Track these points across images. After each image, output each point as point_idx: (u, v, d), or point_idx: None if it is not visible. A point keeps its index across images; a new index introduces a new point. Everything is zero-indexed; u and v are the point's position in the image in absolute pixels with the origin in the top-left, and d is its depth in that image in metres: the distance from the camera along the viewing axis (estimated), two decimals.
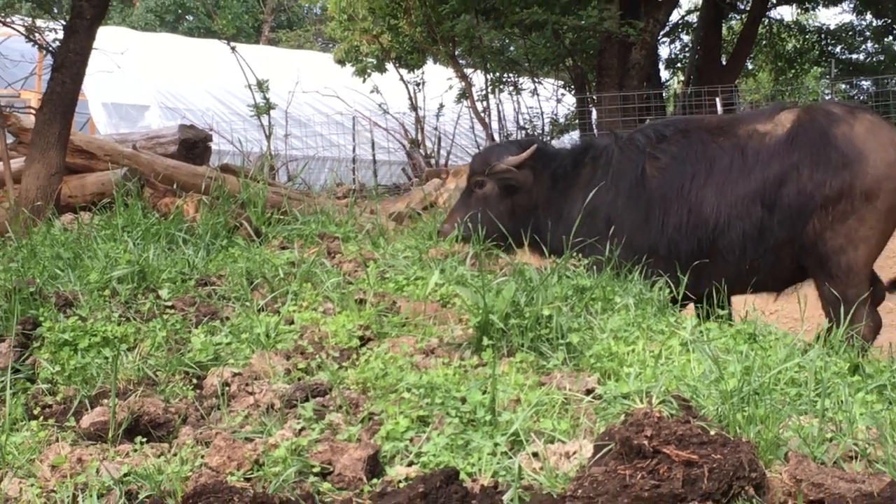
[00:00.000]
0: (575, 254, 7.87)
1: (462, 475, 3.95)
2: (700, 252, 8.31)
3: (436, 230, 9.02)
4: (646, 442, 3.66)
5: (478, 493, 3.81)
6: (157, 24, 49.60)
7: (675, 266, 8.21)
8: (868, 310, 8.29)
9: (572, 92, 27.97)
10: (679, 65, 33.92)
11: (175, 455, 4.36)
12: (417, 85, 27.37)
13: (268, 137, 20.99)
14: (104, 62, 17.50)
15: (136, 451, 4.43)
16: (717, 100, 24.06)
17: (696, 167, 8.39)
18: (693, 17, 32.07)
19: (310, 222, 9.05)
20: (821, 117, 8.33)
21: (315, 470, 4.10)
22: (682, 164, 8.44)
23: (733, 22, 33.64)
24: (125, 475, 4.07)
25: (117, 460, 4.27)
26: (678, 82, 33.31)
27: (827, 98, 30.25)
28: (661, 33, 28.87)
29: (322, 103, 28.43)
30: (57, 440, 4.60)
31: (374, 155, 28.30)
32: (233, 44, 21.20)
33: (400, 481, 3.96)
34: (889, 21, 32.11)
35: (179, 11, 52.89)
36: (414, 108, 27.06)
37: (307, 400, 4.90)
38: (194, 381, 5.45)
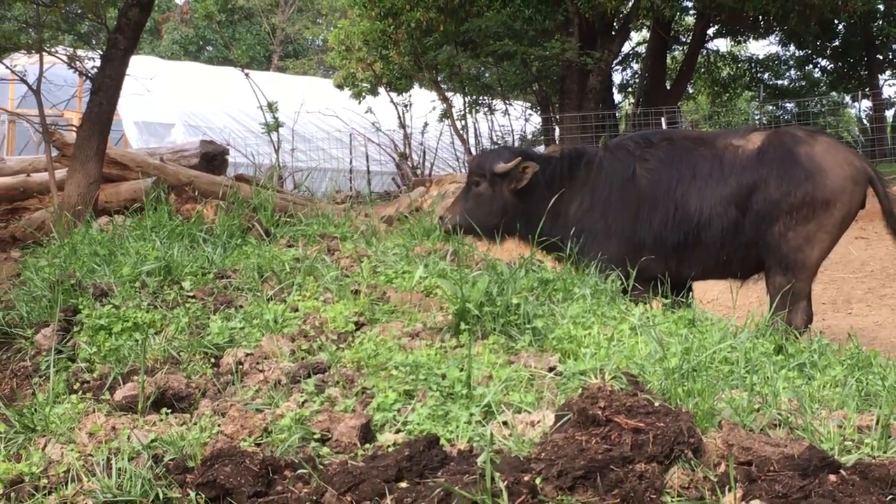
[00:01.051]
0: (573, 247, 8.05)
1: (442, 441, 3.95)
2: (686, 243, 8.39)
3: (438, 219, 9.06)
4: (600, 412, 3.66)
5: (455, 455, 3.81)
6: (181, 54, 49.52)
7: (662, 255, 8.40)
8: (805, 303, 8.42)
9: (538, 112, 28.05)
10: (630, 89, 34.04)
11: (195, 424, 4.35)
12: (405, 106, 27.41)
13: (276, 151, 21.01)
14: (136, 86, 17.50)
15: (161, 420, 4.42)
16: (663, 119, 24.13)
17: (681, 171, 8.45)
18: (642, 48, 32.13)
19: (312, 224, 9.01)
20: (786, 138, 8.46)
21: (316, 436, 4.09)
22: (668, 168, 8.50)
23: (676, 52, 33.72)
24: (152, 441, 4.06)
25: (146, 428, 4.25)
26: (629, 104, 33.36)
27: (756, 117, 30.35)
28: (615, 62, 28.92)
29: (323, 122, 28.43)
30: (93, 411, 4.59)
31: (368, 166, 28.31)
32: (246, 71, 21.19)
33: (389, 446, 3.95)
34: (809, 52, 32.25)
35: (201, 43, 52.84)
36: (402, 126, 27.08)
37: (309, 376, 4.89)
38: (212, 360, 5.44)
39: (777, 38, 31.52)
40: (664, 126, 23.78)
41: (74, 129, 11.91)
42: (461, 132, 26.16)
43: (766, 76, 34.72)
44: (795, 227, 8.22)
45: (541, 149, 26.60)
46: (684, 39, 31.34)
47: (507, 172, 8.72)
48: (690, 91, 34.74)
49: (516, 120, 28.89)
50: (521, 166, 8.73)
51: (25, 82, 12.72)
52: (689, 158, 8.49)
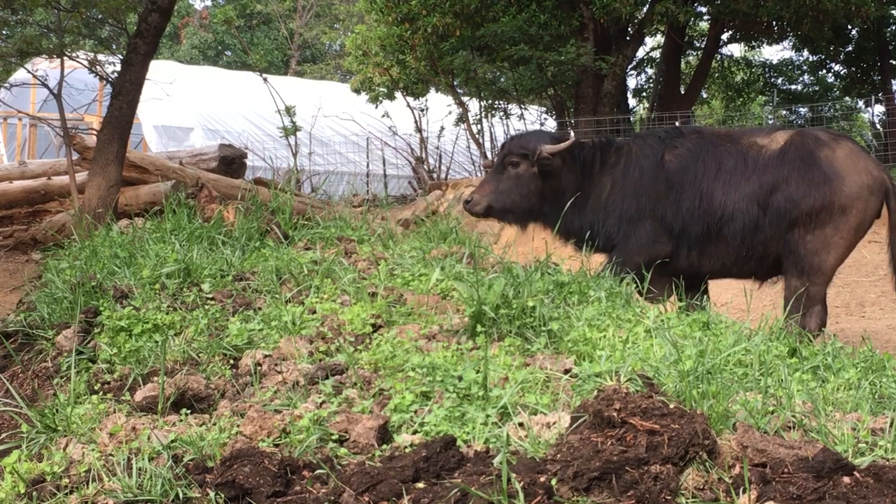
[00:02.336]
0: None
1: (459, 442, 3.95)
2: (709, 235, 8.44)
3: (463, 203, 9.02)
4: (615, 414, 3.66)
5: (472, 457, 3.81)
6: (200, 59, 49.63)
7: (685, 243, 8.53)
8: (819, 307, 8.44)
9: (553, 117, 27.98)
10: (644, 94, 33.94)
11: (215, 424, 4.36)
12: (422, 110, 27.40)
13: (294, 155, 20.99)
14: (155, 90, 17.52)
15: (181, 421, 4.43)
16: (677, 123, 24.03)
17: (707, 163, 8.52)
18: (656, 53, 32.04)
19: (330, 227, 9.02)
20: (809, 140, 8.50)
21: (333, 437, 4.10)
22: (696, 158, 8.58)
23: (690, 57, 33.65)
24: (172, 441, 4.08)
25: (165, 429, 4.27)
26: (644, 109, 33.28)
27: (770, 121, 30.27)
28: (629, 67, 28.89)
29: (341, 126, 28.46)
30: (114, 412, 4.60)
31: (384, 170, 28.32)
32: (265, 75, 21.17)
33: (406, 447, 3.96)
34: (822, 57, 32.16)
35: (219, 47, 52.94)
36: (419, 130, 27.09)
37: (327, 378, 4.89)
38: (231, 361, 5.45)
39: (791, 44, 31.37)
40: None
41: (95, 132, 11.96)
42: (477, 136, 26.15)
43: (779, 81, 34.62)
44: (813, 230, 8.24)
45: None
46: (698, 44, 31.26)
47: (556, 154, 8.70)
48: (704, 96, 34.65)
49: (531, 124, 28.80)
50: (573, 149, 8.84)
51: (47, 86, 12.80)
52: (716, 153, 8.55)
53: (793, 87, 34.87)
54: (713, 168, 8.48)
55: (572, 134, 9.10)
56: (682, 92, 28.27)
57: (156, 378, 4.90)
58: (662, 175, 8.60)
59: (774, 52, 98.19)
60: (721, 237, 8.45)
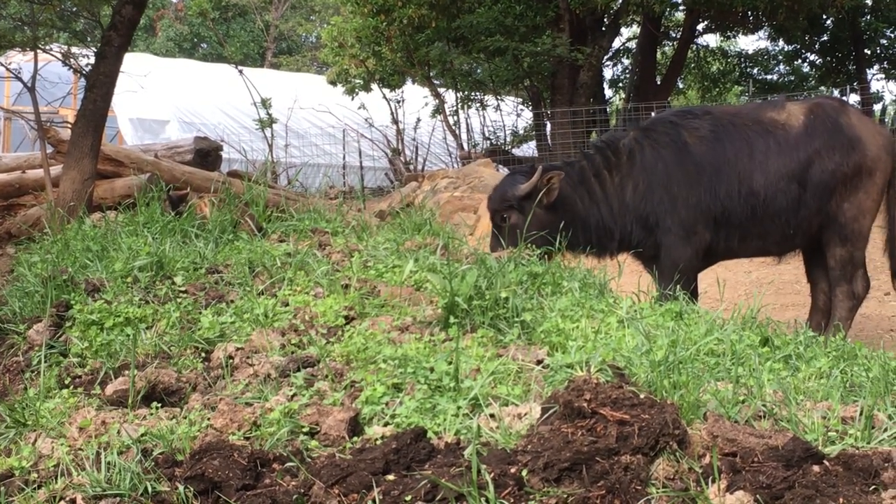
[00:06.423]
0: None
1: (429, 433, 3.94)
2: (753, 217, 8.47)
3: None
4: (585, 404, 3.65)
5: (443, 448, 3.80)
6: (175, 51, 49.46)
7: (724, 228, 8.54)
8: (862, 271, 8.75)
9: (529, 108, 27.99)
10: (620, 84, 33.99)
11: (185, 418, 4.35)
12: (398, 102, 27.41)
13: (270, 147, 20.99)
14: (130, 83, 17.46)
15: (151, 414, 4.42)
16: (653, 114, 24.06)
17: (736, 144, 8.47)
18: (632, 44, 32.06)
19: (304, 219, 8.98)
20: (829, 109, 8.64)
21: (304, 430, 4.09)
22: (721, 140, 8.50)
23: (666, 48, 33.70)
24: (142, 435, 4.06)
25: (136, 422, 4.25)
26: (620, 99, 33.32)
27: None
28: (605, 57, 28.90)
29: (317, 118, 28.44)
30: (84, 406, 4.58)
31: (361, 162, 28.29)
32: (240, 67, 21.19)
33: (377, 439, 3.95)
34: (798, 47, 32.25)
35: (195, 40, 52.78)
36: (395, 121, 27.08)
37: (299, 370, 4.88)
38: (203, 354, 5.43)
39: (766, 34, 31.44)
40: None
41: (69, 126, 11.90)
42: (453, 127, 26.16)
43: (755, 71, 34.69)
44: (849, 197, 8.46)
45: (532, 144, 26.65)
46: (674, 35, 31.28)
47: (533, 190, 8.41)
48: (680, 86, 34.75)
49: (508, 115, 28.84)
50: (545, 178, 8.44)
51: (20, 80, 12.73)
52: (740, 133, 8.49)
53: (768, 76, 34.96)
54: (745, 149, 8.40)
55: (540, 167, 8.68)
56: (658, 82, 28.33)
57: (127, 372, 4.87)
58: (692, 160, 8.45)
59: (750, 43, 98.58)
60: (767, 217, 8.44)
